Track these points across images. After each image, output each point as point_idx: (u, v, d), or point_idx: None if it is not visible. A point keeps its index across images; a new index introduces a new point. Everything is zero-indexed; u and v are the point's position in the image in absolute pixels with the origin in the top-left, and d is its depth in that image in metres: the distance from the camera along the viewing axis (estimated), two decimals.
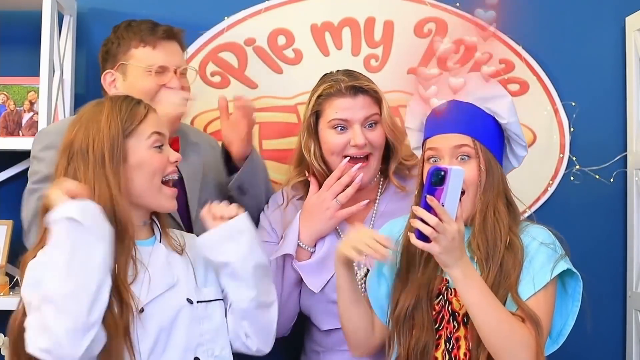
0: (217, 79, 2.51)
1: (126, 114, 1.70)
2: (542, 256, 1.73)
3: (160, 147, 1.73)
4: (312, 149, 2.10)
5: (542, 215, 2.50)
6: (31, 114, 2.35)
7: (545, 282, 1.70)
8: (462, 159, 1.79)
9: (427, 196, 1.59)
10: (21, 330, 1.59)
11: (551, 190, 2.55)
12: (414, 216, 1.61)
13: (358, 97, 2.06)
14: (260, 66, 2.52)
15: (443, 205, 1.60)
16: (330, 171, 2.09)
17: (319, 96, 2.09)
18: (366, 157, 2.09)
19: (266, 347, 1.81)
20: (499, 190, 1.79)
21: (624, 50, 2.56)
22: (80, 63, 2.47)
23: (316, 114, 2.11)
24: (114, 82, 2.15)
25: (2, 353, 2.16)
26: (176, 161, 1.76)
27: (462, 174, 1.62)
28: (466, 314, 1.73)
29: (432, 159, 1.81)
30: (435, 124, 1.85)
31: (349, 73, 2.13)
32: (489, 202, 1.77)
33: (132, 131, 1.69)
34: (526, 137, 2.42)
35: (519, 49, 2.54)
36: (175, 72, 2.12)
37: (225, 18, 2.52)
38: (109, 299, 1.56)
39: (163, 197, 1.74)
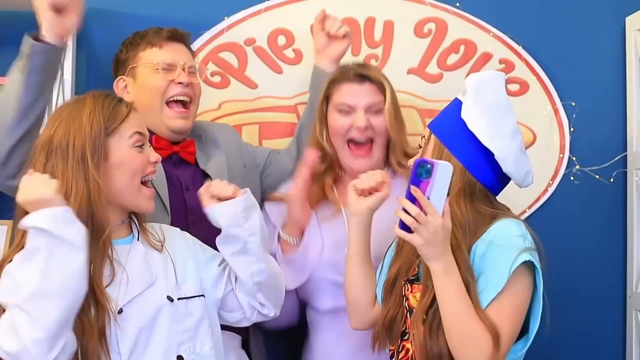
0: (217, 79, 2.51)
1: (108, 112, 1.68)
2: (502, 255, 1.68)
3: (141, 146, 1.73)
4: (323, 133, 2.19)
5: (542, 215, 2.52)
6: None
7: (503, 283, 1.66)
8: (420, 147, 1.82)
9: (411, 187, 1.59)
10: None
11: (551, 190, 2.55)
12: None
13: (364, 84, 2.15)
14: (260, 66, 2.52)
15: (429, 199, 1.59)
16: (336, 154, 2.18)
17: (330, 81, 2.20)
18: (370, 144, 2.14)
19: (278, 310, 1.86)
20: (457, 188, 1.73)
21: (624, 50, 2.56)
22: (80, 63, 2.46)
23: (327, 99, 2.19)
24: (125, 88, 2.17)
25: None
26: (156, 162, 1.75)
27: (449, 170, 1.60)
28: (425, 314, 1.72)
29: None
30: None
31: (360, 64, 2.26)
32: None
33: (114, 130, 1.68)
34: (526, 137, 2.51)
35: (519, 49, 2.54)
36: (183, 69, 2.13)
37: (225, 18, 2.52)
38: (84, 301, 1.55)
39: (142, 197, 1.73)
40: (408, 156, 2.14)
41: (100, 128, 1.66)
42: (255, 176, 2.30)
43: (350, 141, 2.15)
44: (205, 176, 2.16)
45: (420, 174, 1.59)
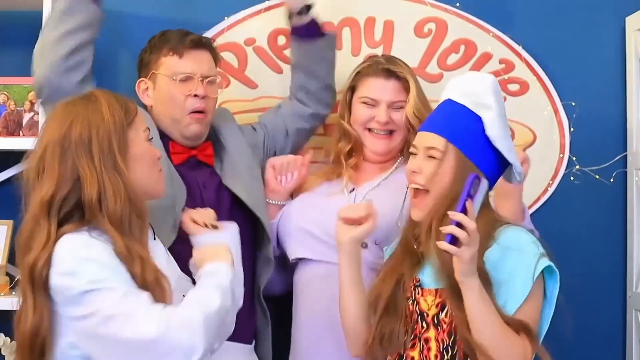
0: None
1: (123, 106, 1.68)
2: (521, 263, 1.70)
3: (150, 140, 1.74)
4: (345, 117, 2.27)
5: (542, 215, 2.52)
6: (32, 114, 2.35)
7: (528, 289, 1.68)
8: (430, 157, 1.79)
9: (468, 201, 1.60)
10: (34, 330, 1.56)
11: (551, 190, 2.55)
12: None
13: (390, 80, 2.20)
14: (260, 66, 2.52)
15: None
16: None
17: (357, 73, 2.25)
18: (390, 133, 2.21)
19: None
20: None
21: (624, 50, 2.56)
22: None
23: (352, 89, 2.25)
24: (146, 90, 2.18)
25: (3, 353, 2.16)
26: (159, 158, 1.75)
27: (486, 187, 1.66)
28: (436, 316, 1.73)
29: (412, 154, 1.84)
30: (425, 120, 1.89)
31: (389, 57, 2.27)
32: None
33: (131, 122, 1.68)
34: (526, 137, 2.51)
35: (519, 49, 2.54)
36: (201, 81, 2.13)
37: (225, 18, 2.52)
38: (153, 285, 1.59)
39: (160, 182, 1.75)
40: None
41: (122, 120, 1.65)
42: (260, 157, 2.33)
43: (370, 130, 2.22)
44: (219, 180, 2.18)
45: (474, 190, 1.62)
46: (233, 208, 2.16)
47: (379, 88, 2.20)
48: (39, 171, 1.63)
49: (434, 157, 1.79)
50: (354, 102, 2.25)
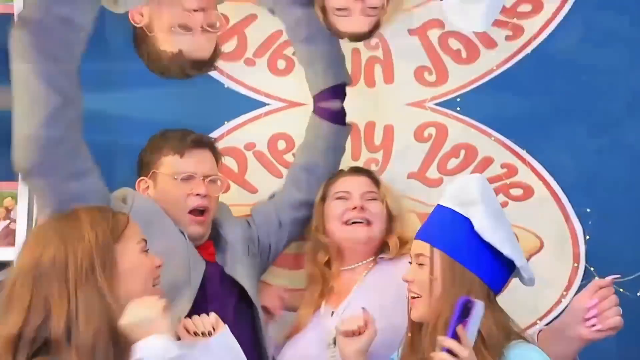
0: None
1: (110, 220, 1.65)
2: None
3: (146, 252, 1.69)
4: (320, 230, 2.26)
5: None
6: (7, 221, 2.33)
7: None
8: (420, 264, 1.80)
9: (459, 327, 1.58)
10: None
11: (565, 302, 2.42)
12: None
13: (360, 176, 2.29)
14: (260, 171, 2.53)
15: None
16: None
17: (326, 183, 2.31)
18: (368, 223, 2.20)
19: None
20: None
21: None
22: None
23: (323, 199, 2.28)
24: (147, 190, 2.21)
25: None
26: (159, 266, 1.71)
27: (483, 308, 1.61)
28: None
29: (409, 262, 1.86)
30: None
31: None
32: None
33: (120, 236, 1.64)
34: (532, 244, 2.43)
35: (523, 152, 2.49)
36: (203, 180, 2.15)
37: (226, 122, 2.55)
38: None
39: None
40: (402, 240, 2.21)
41: (106, 236, 1.61)
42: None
43: (346, 223, 2.21)
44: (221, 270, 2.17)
45: (465, 315, 1.60)
46: (238, 300, 2.15)
47: (349, 182, 2.26)
48: (6, 303, 1.56)
49: (423, 264, 1.80)
50: (327, 205, 2.26)
